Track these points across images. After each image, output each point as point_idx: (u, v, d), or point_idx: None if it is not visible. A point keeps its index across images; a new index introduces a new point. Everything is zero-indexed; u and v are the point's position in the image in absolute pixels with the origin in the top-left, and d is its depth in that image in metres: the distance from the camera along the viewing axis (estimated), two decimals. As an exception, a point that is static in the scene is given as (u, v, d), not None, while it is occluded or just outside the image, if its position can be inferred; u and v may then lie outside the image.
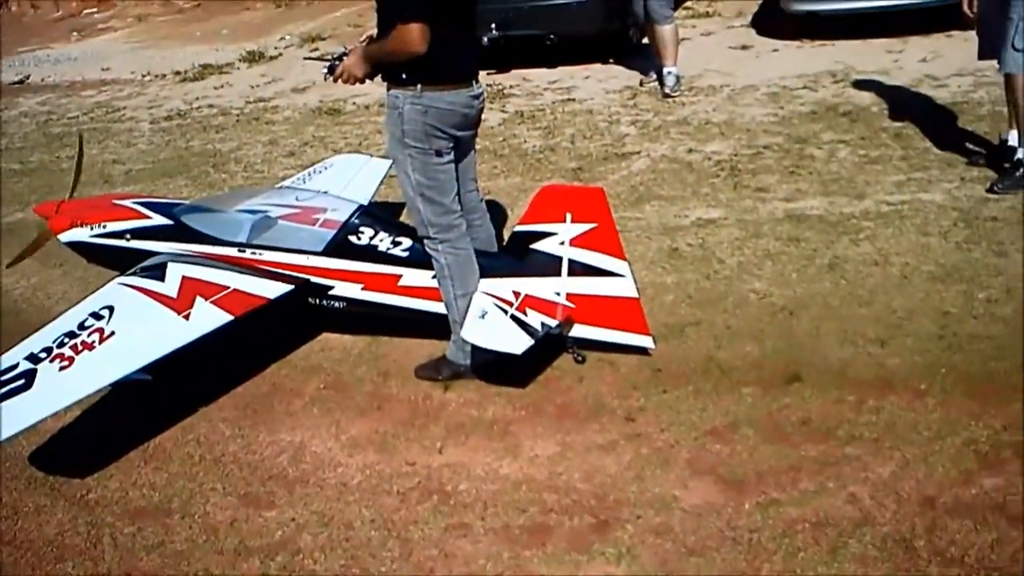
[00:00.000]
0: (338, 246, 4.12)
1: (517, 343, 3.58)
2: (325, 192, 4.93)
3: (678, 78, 7.72)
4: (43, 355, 3.47)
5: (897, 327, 3.90)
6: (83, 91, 11.84)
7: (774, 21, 9.49)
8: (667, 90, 7.66)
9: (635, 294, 3.79)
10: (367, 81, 3.70)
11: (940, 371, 3.56)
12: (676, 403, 3.59)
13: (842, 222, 4.93)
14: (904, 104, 6.60)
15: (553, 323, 3.72)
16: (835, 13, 8.53)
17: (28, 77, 13.35)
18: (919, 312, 3.99)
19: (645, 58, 8.36)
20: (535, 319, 3.69)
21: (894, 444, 3.20)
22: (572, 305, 3.78)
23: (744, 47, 9.02)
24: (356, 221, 4.21)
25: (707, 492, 3.11)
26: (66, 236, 4.66)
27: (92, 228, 4.55)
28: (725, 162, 6.02)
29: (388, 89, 3.62)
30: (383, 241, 4.09)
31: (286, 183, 5.64)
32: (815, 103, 7.01)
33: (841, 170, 5.65)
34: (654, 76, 7.99)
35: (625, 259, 3.79)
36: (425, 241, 3.79)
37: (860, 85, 7.20)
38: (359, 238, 4.13)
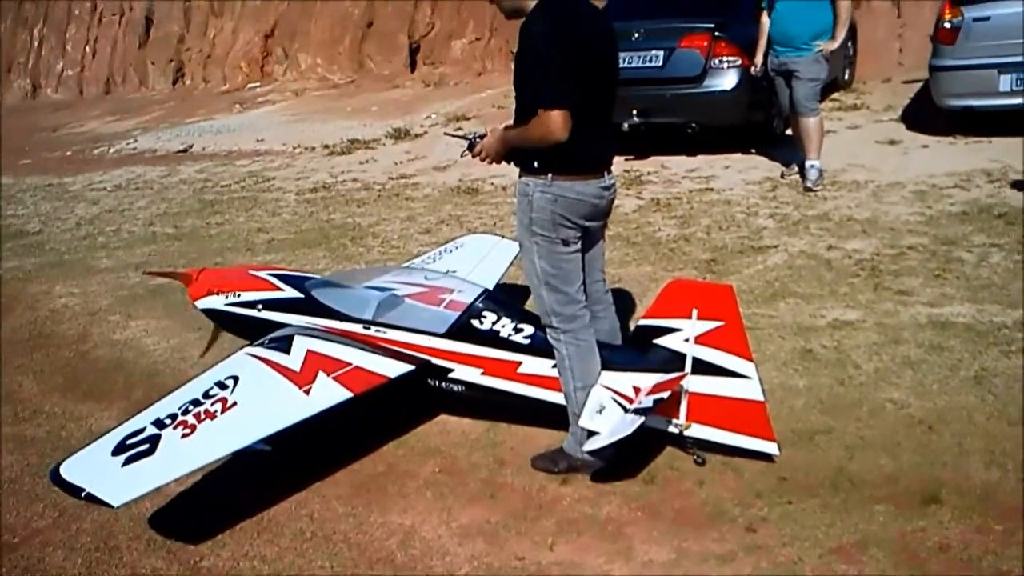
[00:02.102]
0: (460, 329, 4.11)
1: (628, 426, 3.46)
2: (452, 273, 4.96)
3: (821, 172, 7.54)
4: (168, 421, 3.55)
5: (1052, 450, 3.61)
6: (238, 160, 12.48)
7: (926, 115, 9.22)
8: (809, 183, 7.49)
9: (761, 397, 3.63)
10: (503, 162, 3.73)
11: (1101, 504, 3.26)
12: (801, 516, 3.39)
13: (992, 332, 4.65)
14: (1068, 207, 6.26)
15: (665, 395, 3.57)
16: (993, 109, 8.21)
17: (191, 146, 14.17)
18: (1078, 435, 3.68)
19: (788, 150, 8.23)
20: (654, 417, 3.58)
21: (1048, 584, 2.92)
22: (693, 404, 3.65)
23: (892, 142, 8.76)
24: (480, 305, 4.20)
25: (830, 617, 2.91)
26: (202, 303, 4.83)
27: (227, 296, 4.70)
28: (866, 261, 5.79)
29: (519, 176, 3.64)
30: (505, 327, 4.06)
31: (417, 260, 5.72)
32: (966, 203, 6.72)
33: (993, 276, 5.35)
34: (796, 168, 7.85)
35: (752, 360, 3.65)
36: (547, 330, 3.75)
37: (1019, 185, 6.87)
38: (481, 322, 4.11)
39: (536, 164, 3.52)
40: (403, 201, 9.00)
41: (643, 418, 3.48)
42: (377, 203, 9.06)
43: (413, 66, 18.01)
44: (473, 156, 3.78)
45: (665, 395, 3.57)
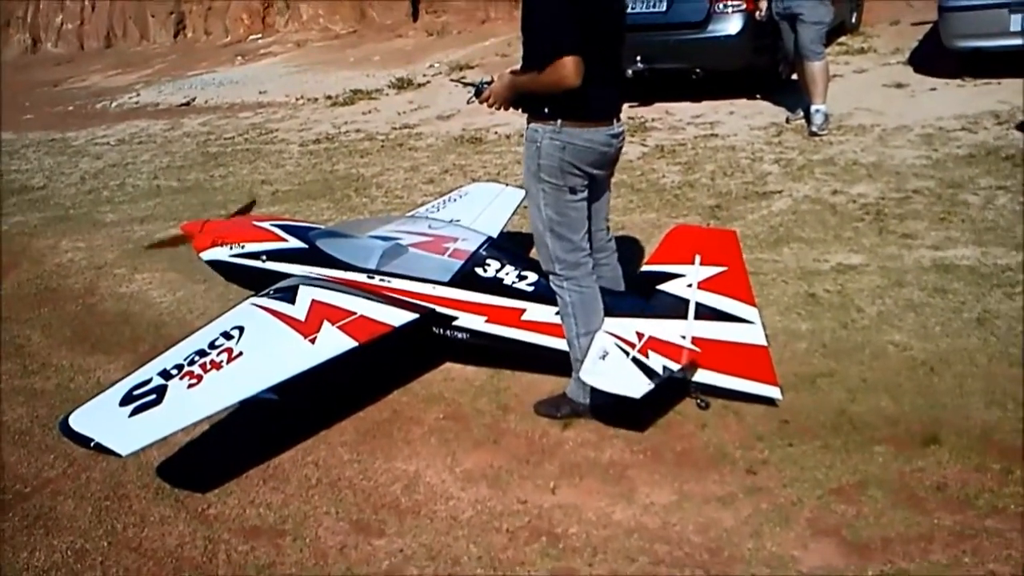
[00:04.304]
0: (464, 277, 4.12)
1: (636, 387, 3.49)
2: (456, 222, 4.96)
3: (826, 116, 7.48)
4: (174, 372, 3.58)
5: (1053, 391, 3.62)
6: (241, 113, 12.43)
7: (934, 58, 9.11)
8: (814, 128, 7.44)
9: (763, 342, 3.64)
10: (511, 109, 3.71)
11: (1100, 443, 3.27)
12: (802, 458, 3.42)
13: (996, 274, 4.64)
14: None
15: (675, 367, 3.62)
16: (1003, 49, 8.09)
17: (194, 99, 14.10)
18: (1079, 376, 3.69)
19: (793, 94, 8.17)
20: (657, 362, 3.60)
21: (1044, 521, 2.95)
22: (697, 349, 3.66)
23: (899, 85, 8.68)
24: (484, 253, 4.20)
25: (828, 555, 2.94)
26: (207, 254, 4.84)
27: (231, 248, 4.71)
28: (871, 205, 5.77)
29: (528, 122, 3.62)
30: (509, 274, 4.07)
31: (421, 210, 5.72)
32: (973, 146, 6.67)
33: (999, 218, 5.33)
34: (801, 113, 7.79)
35: (755, 305, 3.65)
36: (550, 277, 3.76)
37: (1026, 127, 6.82)
38: (485, 270, 4.12)
39: (546, 110, 3.50)
40: (406, 151, 8.96)
41: (652, 385, 3.51)
42: (380, 153, 9.03)
43: (416, 15, 17.82)
44: (481, 102, 3.76)
45: (675, 366, 3.61)
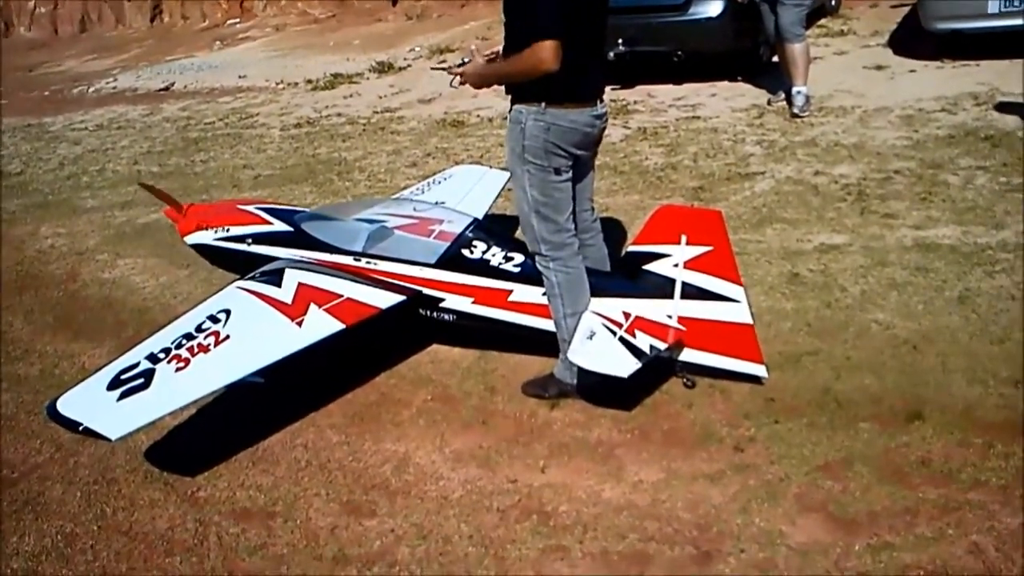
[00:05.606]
0: (451, 259, 4.13)
1: (623, 366, 3.51)
2: (442, 204, 4.96)
3: (807, 98, 7.52)
4: (162, 355, 3.57)
5: (1033, 367, 3.66)
6: (220, 98, 12.34)
7: (913, 40, 9.17)
8: (795, 110, 7.47)
9: (749, 320, 3.67)
10: (495, 87, 3.72)
11: (1080, 417, 3.32)
12: (788, 435, 3.45)
13: (976, 253, 4.69)
14: (1053, 129, 6.26)
15: (662, 346, 3.64)
16: (981, 31, 8.15)
17: (173, 84, 13.99)
18: (1058, 352, 3.74)
19: (774, 77, 8.19)
20: (644, 341, 3.62)
21: (1025, 493, 2.99)
22: (683, 329, 3.69)
23: (879, 67, 8.72)
24: (470, 235, 4.21)
25: (815, 530, 2.97)
26: (191, 238, 4.82)
27: (216, 231, 4.69)
28: (853, 186, 5.81)
29: (512, 104, 3.62)
30: (495, 256, 4.09)
31: (405, 193, 5.71)
32: (953, 127, 6.71)
33: (978, 198, 5.37)
34: (782, 95, 7.82)
35: (741, 284, 3.68)
36: (537, 258, 3.77)
37: (1005, 108, 6.87)
38: (472, 252, 4.13)
39: (530, 92, 3.51)
40: (388, 135, 8.94)
41: (639, 364, 3.53)
42: (362, 137, 9.00)
43: (395, -1, 17.73)
44: (452, 73, 3.78)
45: (662, 345, 3.63)
